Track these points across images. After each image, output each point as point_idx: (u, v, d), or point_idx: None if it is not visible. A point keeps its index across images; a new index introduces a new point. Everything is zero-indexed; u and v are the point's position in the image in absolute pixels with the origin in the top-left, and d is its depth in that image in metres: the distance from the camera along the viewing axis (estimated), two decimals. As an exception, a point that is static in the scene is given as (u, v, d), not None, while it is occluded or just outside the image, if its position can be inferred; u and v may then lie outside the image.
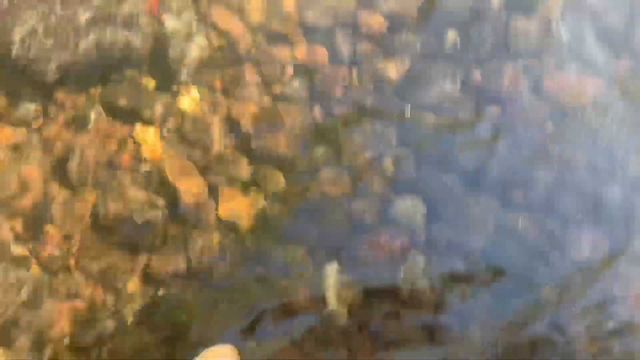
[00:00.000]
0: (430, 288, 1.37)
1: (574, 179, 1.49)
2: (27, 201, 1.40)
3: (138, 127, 1.50)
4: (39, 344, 1.30)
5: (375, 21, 1.62)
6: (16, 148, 1.43)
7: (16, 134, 1.44)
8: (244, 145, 1.50)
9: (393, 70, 1.59)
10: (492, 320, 1.35)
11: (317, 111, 1.56)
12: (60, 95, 1.49)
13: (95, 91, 1.52)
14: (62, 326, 1.32)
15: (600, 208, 1.46)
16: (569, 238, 1.44)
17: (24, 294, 1.32)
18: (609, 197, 1.46)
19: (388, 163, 1.49)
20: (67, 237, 1.39)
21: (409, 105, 1.55)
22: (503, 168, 1.49)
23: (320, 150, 1.50)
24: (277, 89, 1.57)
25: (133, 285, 1.37)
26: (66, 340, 1.32)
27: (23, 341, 1.29)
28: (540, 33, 1.61)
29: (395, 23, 1.62)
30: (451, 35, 1.61)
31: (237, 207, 1.44)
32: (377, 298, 1.36)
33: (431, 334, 1.33)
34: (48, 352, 1.30)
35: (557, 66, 1.59)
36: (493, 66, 1.58)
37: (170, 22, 1.57)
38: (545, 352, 1.35)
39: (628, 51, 1.62)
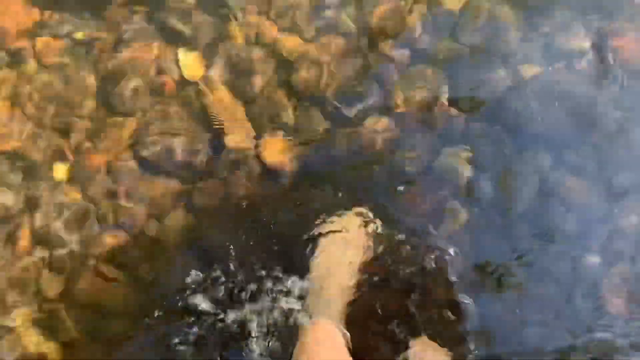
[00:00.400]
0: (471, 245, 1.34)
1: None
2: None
3: (181, 51, 1.45)
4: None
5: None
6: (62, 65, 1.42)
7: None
8: (287, 83, 1.45)
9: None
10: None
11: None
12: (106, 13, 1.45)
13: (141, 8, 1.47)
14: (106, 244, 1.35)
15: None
16: (618, 207, 1.37)
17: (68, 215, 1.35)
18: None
19: (438, 113, 1.42)
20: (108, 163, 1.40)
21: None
22: (558, 126, 1.41)
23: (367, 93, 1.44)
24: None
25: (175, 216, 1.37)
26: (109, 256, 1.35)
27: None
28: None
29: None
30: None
31: (279, 150, 1.41)
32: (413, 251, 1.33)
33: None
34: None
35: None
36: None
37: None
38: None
39: None
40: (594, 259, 1.33)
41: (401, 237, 1.32)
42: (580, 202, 1.36)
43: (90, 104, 1.44)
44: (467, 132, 1.41)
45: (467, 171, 1.37)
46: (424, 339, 1.22)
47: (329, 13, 1.48)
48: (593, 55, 1.44)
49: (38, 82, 1.44)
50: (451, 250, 1.33)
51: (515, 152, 1.39)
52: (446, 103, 1.43)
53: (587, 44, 1.44)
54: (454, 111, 1.42)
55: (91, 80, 1.45)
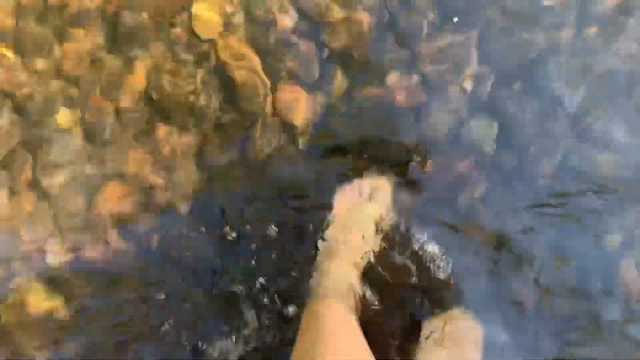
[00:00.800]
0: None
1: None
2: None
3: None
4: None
5: None
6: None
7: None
8: (310, 35, 1.36)
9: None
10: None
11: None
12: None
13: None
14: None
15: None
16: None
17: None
18: None
19: (467, 78, 1.34)
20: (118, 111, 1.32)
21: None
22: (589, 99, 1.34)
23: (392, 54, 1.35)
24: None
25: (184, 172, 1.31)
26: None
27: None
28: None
29: None
30: None
31: (297, 105, 1.33)
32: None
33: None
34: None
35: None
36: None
37: None
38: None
39: None
40: (614, 237, 1.30)
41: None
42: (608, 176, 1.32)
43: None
44: (495, 99, 1.34)
45: (491, 141, 1.31)
46: (456, 312, 1.19)
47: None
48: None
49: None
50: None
51: (543, 121, 1.33)
52: (475, 66, 1.35)
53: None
54: (482, 75, 1.34)
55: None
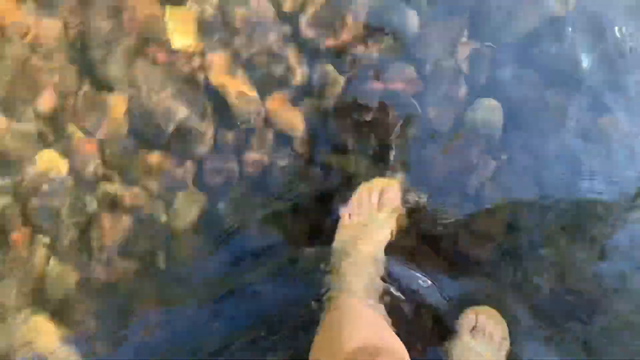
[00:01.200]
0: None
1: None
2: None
3: (168, 9, 1.26)
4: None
5: None
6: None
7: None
8: (295, 37, 1.28)
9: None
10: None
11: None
12: None
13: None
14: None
15: None
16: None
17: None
18: None
19: (462, 60, 1.28)
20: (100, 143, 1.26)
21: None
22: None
23: (385, 42, 1.29)
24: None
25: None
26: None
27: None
28: None
29: None
30: None
31: (289, 114, 1.27)
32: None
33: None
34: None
35: None
36: None
37: None
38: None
39: None
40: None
41: (431, 201, 1.25)
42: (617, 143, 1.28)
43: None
44: (495, 78, 1.28)
45: (497, 123, 1.27)
46: (485, 307, 1.18)
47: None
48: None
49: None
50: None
51: (548, 96, 1.29)
52: (468, 43, 1.29)
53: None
54: (477, 51, 1.28)
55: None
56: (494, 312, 1.18)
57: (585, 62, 1.28)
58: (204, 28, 1.28)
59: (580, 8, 1.30)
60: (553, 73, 1.29)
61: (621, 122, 1.29)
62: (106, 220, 1.25)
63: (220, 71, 1.26)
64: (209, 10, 1.28)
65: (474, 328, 1.15)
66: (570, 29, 1.29)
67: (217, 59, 1.27)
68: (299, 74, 1.28)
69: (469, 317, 1.16)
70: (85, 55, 1.27)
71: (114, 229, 1.24)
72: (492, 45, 1.29)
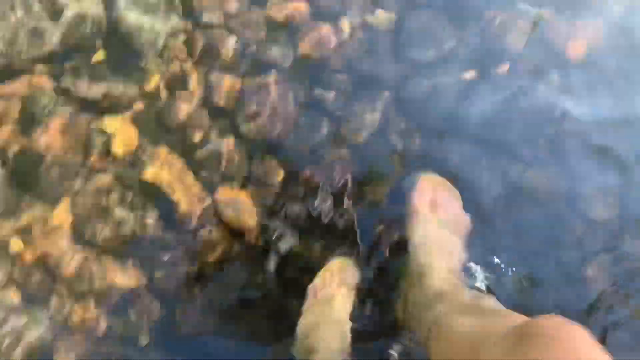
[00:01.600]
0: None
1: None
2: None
3: (106, 117, 1.28)
4: None
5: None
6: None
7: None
8: (232, 129, 1.32)
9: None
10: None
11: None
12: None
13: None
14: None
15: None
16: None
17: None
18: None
19: (395, 139, 1.37)
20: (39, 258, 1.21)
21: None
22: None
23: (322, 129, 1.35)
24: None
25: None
26: None
27: None
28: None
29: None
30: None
31: (238, 207, 1.29)
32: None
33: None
34: None
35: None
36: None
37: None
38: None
39: None
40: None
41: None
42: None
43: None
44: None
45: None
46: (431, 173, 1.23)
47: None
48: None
49: None
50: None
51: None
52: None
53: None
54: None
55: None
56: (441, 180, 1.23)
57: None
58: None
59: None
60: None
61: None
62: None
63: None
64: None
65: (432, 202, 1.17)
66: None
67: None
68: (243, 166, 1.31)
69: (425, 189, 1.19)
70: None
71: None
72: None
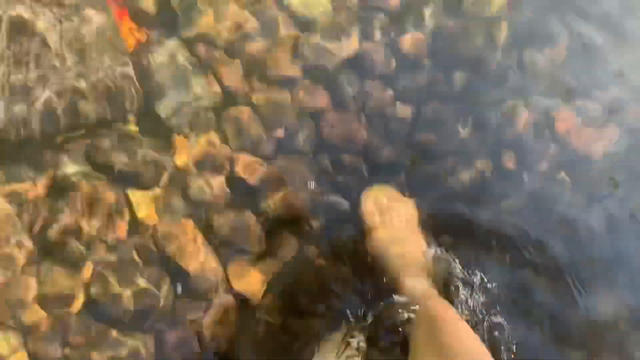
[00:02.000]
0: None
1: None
2: None
3: (130, 190, 1.33)
4: None
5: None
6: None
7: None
8: (252, 205, 1.37)
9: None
10: None
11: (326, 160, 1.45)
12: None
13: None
14: None
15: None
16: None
17: None
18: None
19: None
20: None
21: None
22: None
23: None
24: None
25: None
26: None
27: None
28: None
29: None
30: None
31: (250, 280, 1.32)
32: None
33: None
34: None
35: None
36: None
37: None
38: None
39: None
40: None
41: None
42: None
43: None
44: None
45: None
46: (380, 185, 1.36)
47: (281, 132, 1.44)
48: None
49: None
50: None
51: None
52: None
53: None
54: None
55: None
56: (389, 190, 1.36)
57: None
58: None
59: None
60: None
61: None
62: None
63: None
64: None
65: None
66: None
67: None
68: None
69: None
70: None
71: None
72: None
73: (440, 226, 1.37)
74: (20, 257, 1.23)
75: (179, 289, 1.29)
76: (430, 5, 1.56)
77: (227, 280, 1.31)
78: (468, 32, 1.56)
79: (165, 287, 1.28)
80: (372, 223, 1.32)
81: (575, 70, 1.58)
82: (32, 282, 1.23)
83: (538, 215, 1.44)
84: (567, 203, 1.48)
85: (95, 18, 1.35)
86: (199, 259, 1.30)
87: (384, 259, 1.26)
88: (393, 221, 1.31)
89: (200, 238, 1.32)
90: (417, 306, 1.11)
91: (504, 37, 1.57)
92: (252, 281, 1.32)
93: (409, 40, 1.53)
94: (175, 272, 1.30)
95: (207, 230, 1.33)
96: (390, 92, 1.50)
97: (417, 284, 1.17)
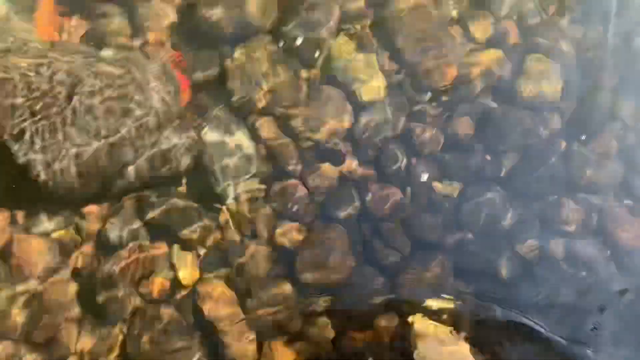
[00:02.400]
0: None
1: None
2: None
3: (175, 249, 1.36)
4: None
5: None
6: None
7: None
8: (291, 279, 1.38)
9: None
10: None
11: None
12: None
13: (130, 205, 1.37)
14: None
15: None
16: None
17: None
18: None
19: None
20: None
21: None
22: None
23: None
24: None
25: None
26: None
27: None
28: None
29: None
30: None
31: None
32: None
33: None
34: None
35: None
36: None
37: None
38: None
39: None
40: None
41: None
42: None
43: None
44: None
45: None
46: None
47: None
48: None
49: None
50: None
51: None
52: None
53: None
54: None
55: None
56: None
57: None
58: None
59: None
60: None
61: None
62: None
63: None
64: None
65: None
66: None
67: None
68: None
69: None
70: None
71: None
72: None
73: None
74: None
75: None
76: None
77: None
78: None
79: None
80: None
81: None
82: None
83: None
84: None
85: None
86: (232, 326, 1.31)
87: None
88: None
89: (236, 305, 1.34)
90: None
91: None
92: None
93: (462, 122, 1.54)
94: (210, 336, 1.30)
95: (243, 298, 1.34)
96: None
97: None
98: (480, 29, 1.59)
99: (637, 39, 1.63)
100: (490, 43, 1.59)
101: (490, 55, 1.56)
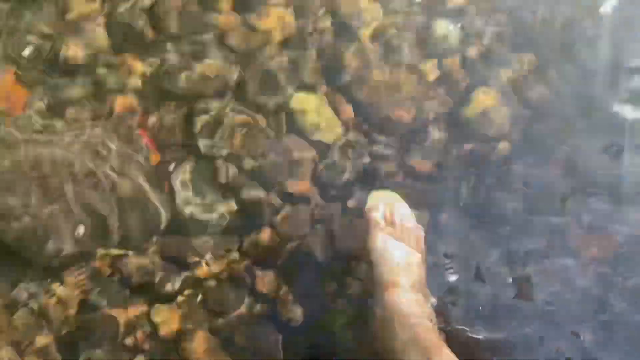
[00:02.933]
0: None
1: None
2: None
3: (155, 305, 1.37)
4: None
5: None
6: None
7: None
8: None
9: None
10: None
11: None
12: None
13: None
14: None
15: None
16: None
17: None
18: None
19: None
20: None
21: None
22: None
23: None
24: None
25: None
26: None
27: None
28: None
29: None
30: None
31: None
32: None
33: None
34: None
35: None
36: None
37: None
38: None
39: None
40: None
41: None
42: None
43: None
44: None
45: None
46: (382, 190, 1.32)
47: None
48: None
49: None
50: None
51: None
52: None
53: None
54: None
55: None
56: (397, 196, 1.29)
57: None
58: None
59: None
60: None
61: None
62: None
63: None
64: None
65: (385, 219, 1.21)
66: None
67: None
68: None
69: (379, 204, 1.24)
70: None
71: None
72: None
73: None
74: None
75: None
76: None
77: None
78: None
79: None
80: (379, 221, 1.22)
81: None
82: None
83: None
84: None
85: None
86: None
87: (384, 259, 1.15)
88: (403, 232, 1.20)
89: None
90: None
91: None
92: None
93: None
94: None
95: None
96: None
97: (419, 298, 1.09)
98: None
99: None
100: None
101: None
